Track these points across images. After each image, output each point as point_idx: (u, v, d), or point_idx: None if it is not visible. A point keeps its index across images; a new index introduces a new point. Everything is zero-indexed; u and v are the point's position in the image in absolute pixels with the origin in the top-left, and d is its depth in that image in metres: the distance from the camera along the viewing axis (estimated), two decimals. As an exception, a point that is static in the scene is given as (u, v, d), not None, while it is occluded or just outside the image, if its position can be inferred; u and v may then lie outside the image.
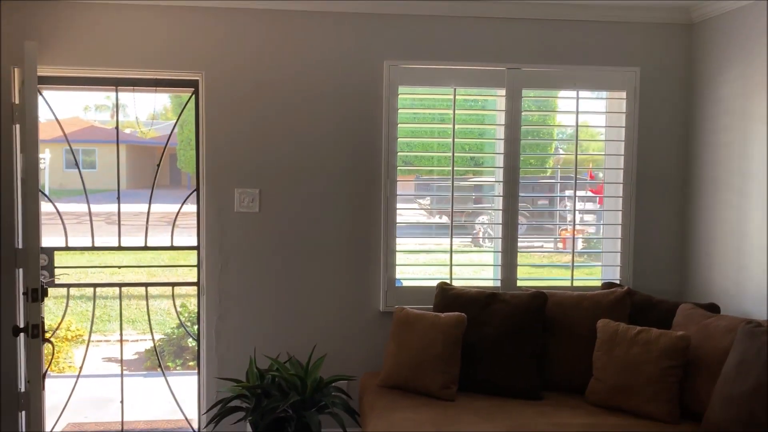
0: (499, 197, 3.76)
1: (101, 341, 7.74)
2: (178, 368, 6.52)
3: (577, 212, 3.83)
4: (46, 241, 3.56)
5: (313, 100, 3.61)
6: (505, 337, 3.21)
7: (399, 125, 3.65)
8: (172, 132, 4.12)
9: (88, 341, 4.25)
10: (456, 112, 3.64)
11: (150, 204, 3.74)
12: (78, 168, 4.08)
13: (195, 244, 3.67)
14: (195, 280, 3.70)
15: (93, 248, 3.79)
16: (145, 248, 3.81)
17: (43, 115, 3.25)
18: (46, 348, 3.47)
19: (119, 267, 5.66)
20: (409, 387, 3.19)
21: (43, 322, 3.00)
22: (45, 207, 3.69)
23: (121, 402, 3.91)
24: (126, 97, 3.82)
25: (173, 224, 3.74)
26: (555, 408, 3.01)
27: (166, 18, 3.50)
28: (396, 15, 3.61)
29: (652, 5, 3.66)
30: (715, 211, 3.58)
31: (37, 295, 2.92)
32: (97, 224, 3.73)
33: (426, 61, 3.65)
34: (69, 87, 3.77)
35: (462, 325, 3.18)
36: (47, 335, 3.14)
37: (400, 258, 3.71)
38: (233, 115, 3.57)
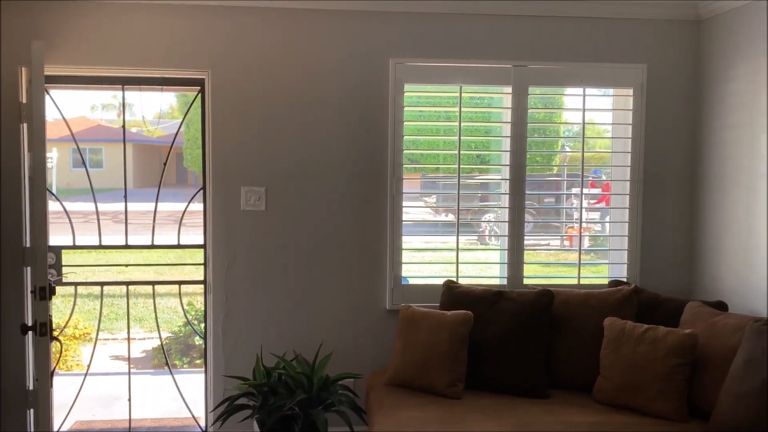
0: (505, 195, 3.75)
1: (108, 339, 7.77)
2: (185, 366, 6.54)
3: (583, 210, 3.81)
4: (54, 240, 3.57)
5: (319, 97, 3.61)
6: (511, 335, 3.20)
7: (405, 123, 3.65)
8: (178, 131, 4.13)
9: (96, 339, 4.27)
10: (462, 109, 3.64)
11: (157, 202, 3.75)
12: (85, 167, 4.09)
13: (202, 242, 3.68)
14: (202, 278, 3.71)
15: (100, 247, 3.80)
16: (152, 247, 3.82)
17: (50, 114, 3.27)
18: (54, 346, 3.49)
19: (126, 265, 5.67)
20: (416, 385, 3.19)
21: (51, 321, 3.02)
22: (52, 206, 3.71)
23: (129, 400, 3.92)
24: (132, 96, 3.84)
25: (180, 222, 3.75)
26: (562, 406, 3.01)
27: (173, 17, 3.50)
28: (402, 12, 3.61)
29: (659, 2, 3.64)
30: (723, 208, 3.56)
31: (45, 293, 2.94)
32: (104, 223, 3.74)
33: (432, 58, 3.64)
34: (76, 86, 3.77)
35: (468, 323, 3.17)
36: (55, 333, 3.16)
37: (406, 256, 3.71)
38: (239, 114, 3.58)
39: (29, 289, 3.43)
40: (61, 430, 3.84)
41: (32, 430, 3.47)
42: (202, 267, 3.69)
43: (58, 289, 3.47)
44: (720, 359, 2.83)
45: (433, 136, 3.93)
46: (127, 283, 3.92)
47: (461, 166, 3.66)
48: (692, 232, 3.81)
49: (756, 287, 3.27)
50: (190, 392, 4.09)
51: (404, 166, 3.67)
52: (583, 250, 3.80)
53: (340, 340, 3.65)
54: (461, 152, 3.65)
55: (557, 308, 3.32)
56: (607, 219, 3.98)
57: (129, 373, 4.01)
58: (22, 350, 3.48)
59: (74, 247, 3.72)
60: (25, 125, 3.42)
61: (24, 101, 3.42)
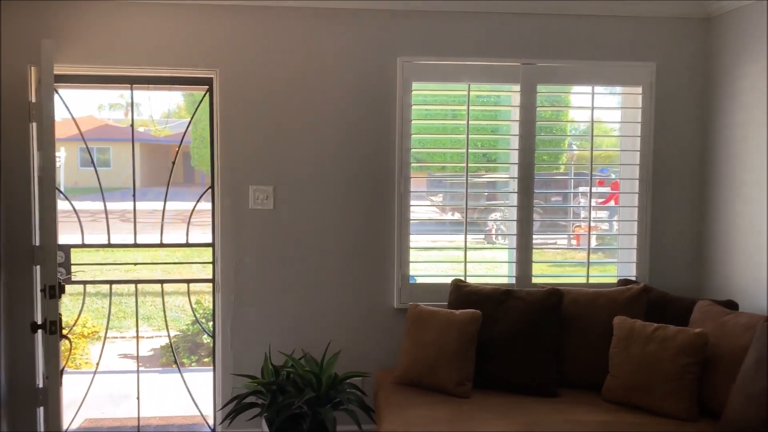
0: (513, 193, 3.74)
1: (117, 338, 7.80)
2: (193, 365, 6.56)
3: (591, 209, 3.80)
4: (63, 239, 3.59)
5: (327, 96, 3.61)
6: (520, 334, 3.20)
7: (412, 122, 3.64)
8: (186, 130, 4.14)
9: (105, 337, 4.29)
10: (470, 108, 3.63)
11: (165, 201, 3.76)
12: (93, 166, 4.11)
13: (210, 241, 3.69)
14: (210, 276, 3.72)
15: (109, 245, 3.82)
16: (161, 245, 3.83)
17: (59, 113, 3.27)
18: (64, 344, 3.51)
19: (135, 264, 5.69)
20: (424, 384, 3.19)
21: (60, 319, 3.04)
22: (61, 205, 3.73)
23: (138, 398, 3.93)
24: (140, 95, 3.87)
25: (188, 221, 3.76)
26: (571, 405, 3.00)
27: (181, 16, 3.51)
28: (409, 11, 3.60)
29: (668, 0, 3.63)
30: (732, 206, 3.54)
31: (54, 291, 2.96)
32: (112, 222, 3.75)
33: (439, 57, 3.64)
34: (84, 85, 3.79)
35: (477, 322, 3.17)
36: (64, 331, 3.17)
37: (413, 255, 3.71)
38: (247, 113, 3.58)
39: (39, 288, 3.45)
40: (70, 428, 3.86)
41: (42, 427, 3.49)
42: (211, 265, 3.70)
43: (67, 288, 3.49)
44: (730, 358, 2.82)
45: (440, 135, 3.92)
46: (136, 282, 3.93)
47: (469, 165, 3.65)
48: (702, 231, 3.79)
49: (766, 286, 3.25)
50: (198, 390, 4.10)
51: (411, 164, 3.67)
52: (591, 249, 3.79)
53: (348, 339, 3.65)
54: (469, 151, 3.64)
55: (566, 307, 3.31)
56: (616, 217, 3.97)
57: (138, 372, 4.02)
58: (32, 348, 3.49)
59: (83, 245, 3.74)
60: (34, 124, 3.43)
61: (33, 100, 3.43)
